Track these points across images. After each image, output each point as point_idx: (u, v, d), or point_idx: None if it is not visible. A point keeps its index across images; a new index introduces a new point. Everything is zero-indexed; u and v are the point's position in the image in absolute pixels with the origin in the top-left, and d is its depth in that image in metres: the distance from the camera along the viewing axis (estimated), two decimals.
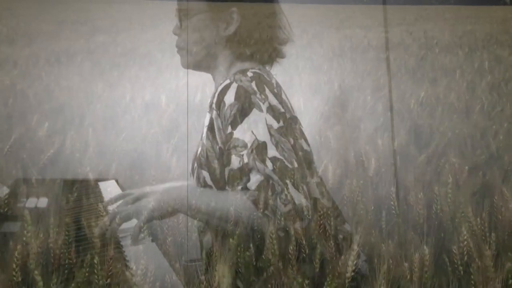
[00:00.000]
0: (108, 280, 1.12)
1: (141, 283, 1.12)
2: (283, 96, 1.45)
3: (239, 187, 1.33)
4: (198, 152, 1.48)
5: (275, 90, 1.43)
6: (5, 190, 1.53)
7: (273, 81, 1.47)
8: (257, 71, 1.45)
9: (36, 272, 1.09)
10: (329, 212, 1.32)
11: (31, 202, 1.59)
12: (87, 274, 1.13)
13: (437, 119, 2.62)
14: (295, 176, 1.32)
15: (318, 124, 2.39)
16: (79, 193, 1.66)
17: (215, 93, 1.41)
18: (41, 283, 1.08)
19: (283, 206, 1.28)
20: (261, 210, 1.29)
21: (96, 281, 1.12)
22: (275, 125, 1.36)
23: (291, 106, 1.46)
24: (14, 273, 1.12)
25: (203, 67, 1.52)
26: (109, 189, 1.76)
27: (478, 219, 1.32)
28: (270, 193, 1.29)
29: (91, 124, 2.47)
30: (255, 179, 1.31)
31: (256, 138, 1.33)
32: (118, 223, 1.33)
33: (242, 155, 1.33)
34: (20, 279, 1.12)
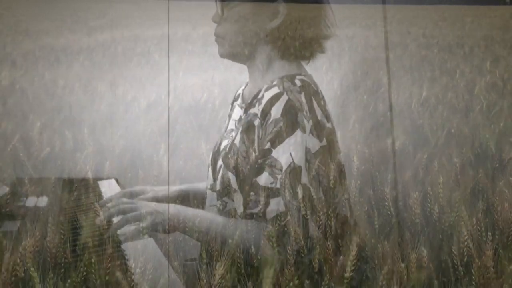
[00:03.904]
0: (107, 278, 1.12)
1: (140, 280, 1.12)
2: (327, 107, 1.41)
3: (256, 211, 1.30)
4: (222, 147, 1.44)
5: (322, 102, 1.39)
6: (5, 189, 1.53)
7: (319, 91, 1.42)
8: (304, 78, 1.41)
9: (32, 269, 1.09)
10: (329, 213, 1.31)
11: (31, 201, 1.59)
12: (85, 272, 1.13)
13: (437, 119, 2.62)
14: (318, 207, 1.28)
15: None
16: (79, 192, 1.66)
17: (259, 96, 1.37)
18: (37, 280, 1.08)
19: (294, 244, 1.26)
20: (273, 245, 1.26)
21: (94, 280, 1.12)
22: (315, 146, 1.31)
23: (331, 117, 1.42)
24: (8, 271, 1.12)
25: (240, 58, 1.49)
26: (109, 188, 1.76)
27: (474, 219, 1.32)
28: (286, 229, 1.26)
29: (90, 124, 2.47)
30: (275, 208, 1.28)
31: (293, 161, 1.29)
32: (108, 216, 1.32)
33: (277, 179, 1.29)
34: (13, 279, 1.12)
